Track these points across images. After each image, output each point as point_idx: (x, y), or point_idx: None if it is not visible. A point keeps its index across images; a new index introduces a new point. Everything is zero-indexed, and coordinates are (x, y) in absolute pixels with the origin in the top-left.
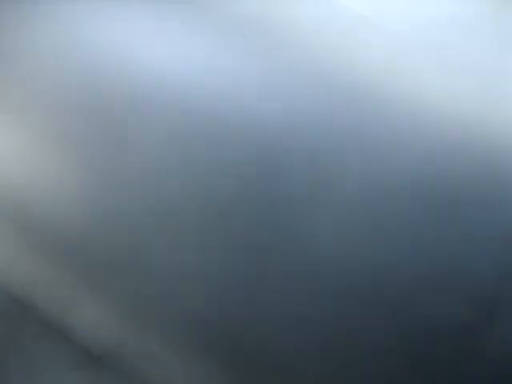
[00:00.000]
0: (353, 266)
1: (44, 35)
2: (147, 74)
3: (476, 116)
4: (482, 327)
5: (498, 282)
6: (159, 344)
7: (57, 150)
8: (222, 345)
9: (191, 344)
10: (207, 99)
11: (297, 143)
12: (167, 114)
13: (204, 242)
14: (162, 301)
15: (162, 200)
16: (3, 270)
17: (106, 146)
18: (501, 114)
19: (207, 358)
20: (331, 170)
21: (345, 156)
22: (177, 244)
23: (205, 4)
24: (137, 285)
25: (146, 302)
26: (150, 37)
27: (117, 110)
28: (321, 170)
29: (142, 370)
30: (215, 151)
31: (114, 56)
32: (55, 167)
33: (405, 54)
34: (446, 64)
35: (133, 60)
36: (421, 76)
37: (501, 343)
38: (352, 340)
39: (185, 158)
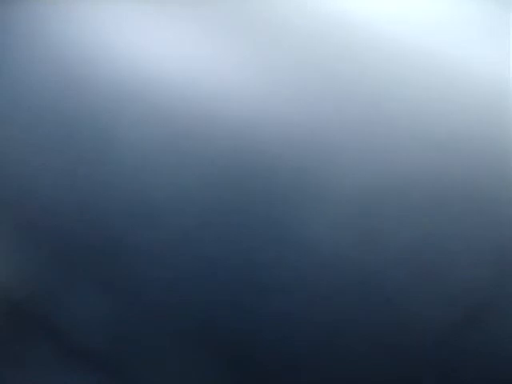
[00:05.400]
0: (347, 266)
1: (38, 34)
2: (142, 72)
3: (474, 115)
4: (476, 328)
5: (493, 284)
6: (156, 342)
7: (55, 148)
8: (217, 342)
9: (188, 342)
10: (202, 98)
11: (294, 142)
12: (162, 112)
13: (198, 241)
14: (159, 299)
15: (154, 197)
16: None
17: (98, 143)
18: (501, 114)
19: (204, 355)
20: (327, 169)
21: (341, 155)
22: (171, 241)
23: (200, 2)
24: (134, 283)
25: (143, 300)
26: (144, 35)
27: (110, 108)
28: (316, 170)
29: (138, 368)
30: (211, 151)
31: (106, 54)
32: (54, 165)
33: (399, 56)
34: (442, 65)
35: (126, 58)
36: (415, 76)
37: (494, 344)
38: (346, 339)
39: (180, 156)
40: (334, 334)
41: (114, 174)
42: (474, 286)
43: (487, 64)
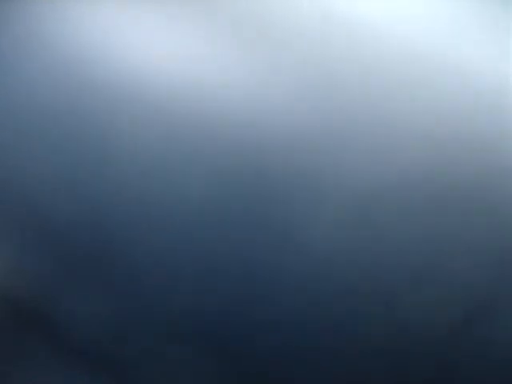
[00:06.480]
0: (347, 269)
1: (35, 34)
2: (140, 73)
3: (474, 115)
4: (480, 327)
5: (494, 285)
6: (155, 342)
7: (53, 148)
8: (218, 342)
9: (188, 342)
10: (202, 99)
11: (295, 144)
12: (161, 113)
13: (197, 243)
14: (159, 299)
15: (154, 198)
16: None
17: (96, 143)
18: (501, 113)
19: (205, 354)
20: (327, 170)
21: (342, 156)
22: (172, 240)
23: (199, 2)
24: (134, 283)
25: (143, 300)
26: (142, 35)
27: (108, 109)
28: (316, 171)
29: (138, 368)
30: (210, 152)
31: (104, 54)
32: (52, 166)
33: (399, 56)
34: (442, 65)
35: (124, 58)
36: (415, 76)
37: (494, 344)
38: (346, 343)
39: (179, 158)
40: (334, 338)
41: (113, 174)
42: (474, 288)
43: (487, 64)
